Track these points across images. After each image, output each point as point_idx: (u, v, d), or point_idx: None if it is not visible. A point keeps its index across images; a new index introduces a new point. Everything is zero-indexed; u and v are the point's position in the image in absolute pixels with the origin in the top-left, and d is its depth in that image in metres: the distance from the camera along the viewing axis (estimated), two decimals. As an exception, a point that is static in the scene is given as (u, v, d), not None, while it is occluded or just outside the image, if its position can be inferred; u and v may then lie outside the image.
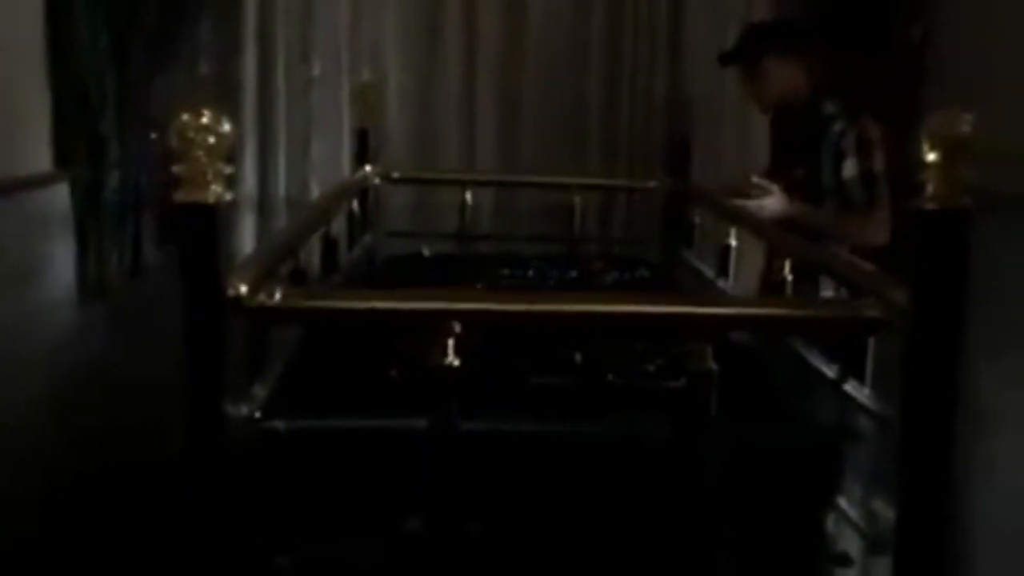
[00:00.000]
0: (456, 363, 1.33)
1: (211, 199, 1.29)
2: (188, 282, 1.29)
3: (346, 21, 3.87)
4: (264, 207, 3.87)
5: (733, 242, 2.60)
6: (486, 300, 1.43)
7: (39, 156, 3.35)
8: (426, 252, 3.28)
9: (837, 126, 2.90)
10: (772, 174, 3.00)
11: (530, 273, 2.99)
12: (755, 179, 2.89)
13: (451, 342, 1.33)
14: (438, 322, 1.34)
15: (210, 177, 1.29)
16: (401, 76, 3.94)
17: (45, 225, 3.47)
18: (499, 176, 3.78)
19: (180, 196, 1.29)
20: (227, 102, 3.84)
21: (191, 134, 1.30)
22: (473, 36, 3.94)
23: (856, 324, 1.44)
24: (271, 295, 1.32)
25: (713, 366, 1.35)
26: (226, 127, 1.30)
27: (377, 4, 3.91)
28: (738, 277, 2.69)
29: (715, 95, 3.80)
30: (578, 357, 1.97)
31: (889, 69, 3.70)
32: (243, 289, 1.30)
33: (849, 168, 2.88)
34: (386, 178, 3.31)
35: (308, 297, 1.37)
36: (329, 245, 2.52)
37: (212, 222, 1.29)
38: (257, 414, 1.41)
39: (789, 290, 2.01)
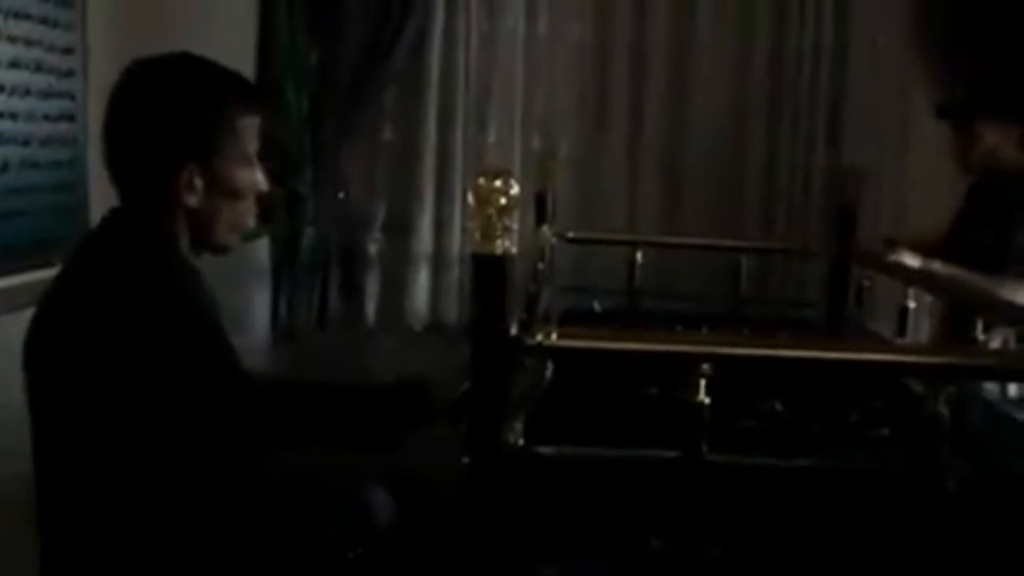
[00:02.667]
0: (707, 401, 1.49)
1: (499, 251, 1.49)
2: (479, 322, 1.49)
3: (520, 91, 4.13)
4: (439, 264, 4.12)
5: (912, 303, 2.71)
6: (734, 345, 1.59)
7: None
8: (597, 307, 3.45)
9: (1012, 192, 2.95)
10: (952, 239, 3.06)
11: (704, 330, 3.13)
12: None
13: (703, 382, 1.50)
14: (690, 363, 1.51)
15: (499, 232, 1.50)
16: (570, 143, 4.18)
17: (246, 276, 3.78)
18: (669, 238, 3.95)
19: (474, 248, 1.50)
20: (408, 165, 4.15)
21: (485, 194, 1.50)
22: (638, 106, 4.16)
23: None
24: (548, 335, 1.51)
25: (944, 410, 1.48)
26: (515, 189, 1.50)
27: (550, 75, 4.16)
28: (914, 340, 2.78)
29: (874, 163, 3.93)
30: (778, 406, 2.11)
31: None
32: (523, 329, 1.49)
33: (1020, 238, 2.93)
34: (562, 238, 3.51)
35: (580, 338, 1.55)
36: (531, 298, 2.72)
37: (501, 270, 1.49)
38: (521, 441, 1.60)
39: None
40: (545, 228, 3.50)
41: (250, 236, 3.77)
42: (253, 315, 3.83)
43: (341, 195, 4.06)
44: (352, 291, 4.12)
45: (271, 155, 3.68)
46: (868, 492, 1.52)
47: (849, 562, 1.54)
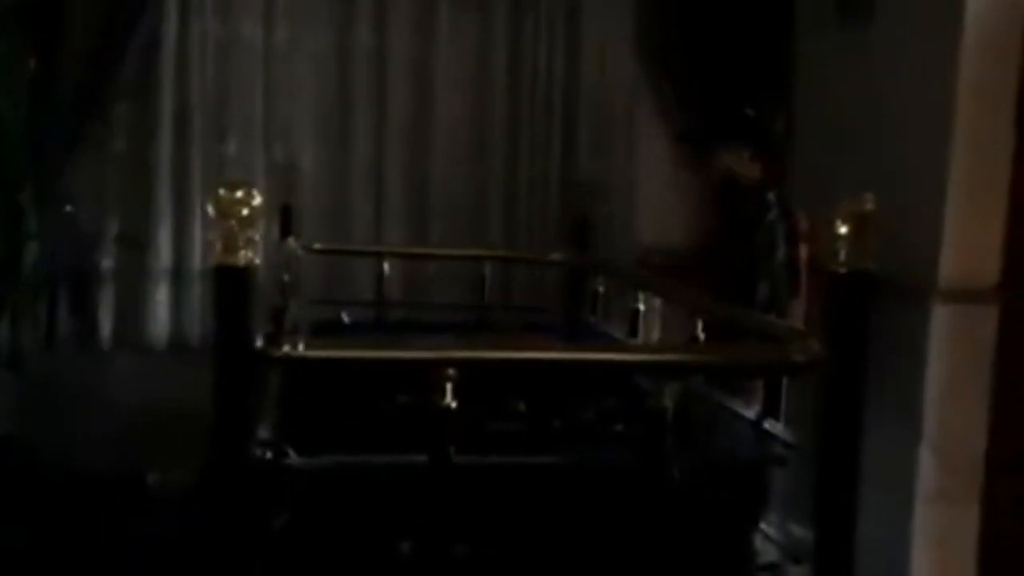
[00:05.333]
0: (454, 405, 1.54)
1: (242, 262, 1.48)
2: (222, 335, 1.47)
3: (260, 101, 4.06)
4: (179, 280, 3.98)
5: (641, 306, 2.88)
6: (482, 349, 1.65)
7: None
8: (346, 319, 3.45)
9: (772, 215, 3.22)
10: (725, 246, 3.30)
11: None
12: None
13: (449, 386, 1.54)
14: (436, 369, 1.55)
15: (241, 244, 1.48)
16: (313, 154, 4.14)
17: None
18: (416, 248, 4.00)
19: (215, 259, 1.47)
20: (142, 178, 3.98)
21: (226, 206, 1.48)
22: (382, 116, 4.18)
23: (781, 367, 1.72)
24: (295, 347, 1.51)
25: (668, 404, 1.60)
26: (257, 200, 1.49)
27: (290, 85, 4.11)
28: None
29: (604, 174, 4.16)
30: (521, 407, 2.20)
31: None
32: (270, 341, 1.48)
33: (780, 255, 3.21)
34: (308, 249, 3.48)
35: (328, 348, 1.55)
36: (277, 312, 2.68)
37: (243, 282, 1.48)
38: (268, 453, 1.59)
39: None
40: (291, 240, 3.47)
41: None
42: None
43: (68, 208, 3.83)
44: (84, 309, 3.90)
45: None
46: (603, 484, 1.62)
47: (589, 552, 1.64)
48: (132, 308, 3.97)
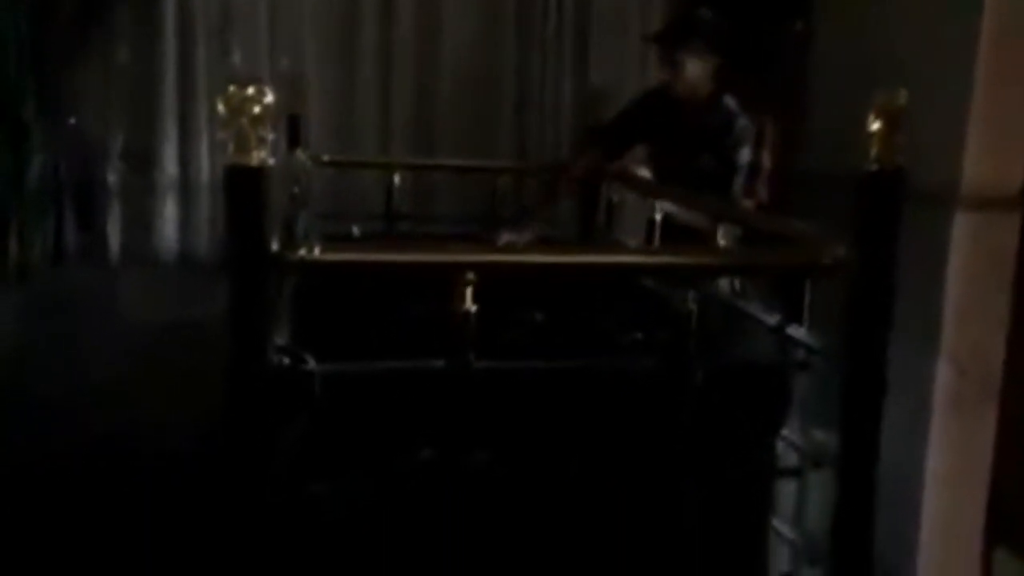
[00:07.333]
0: (473, 309, 1.50)
1: (255, 162, 1.43)
2: (235, 238, 1.43)
3: (265, 9, 3.96)
4: (186, 191, 3.93)
5: (658, 216, 2.84)
6: (500, 253, 1.61)
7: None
8: (356, 232, 3.41)
9: (741, 120, 3.16)
10: (656, 159, 3.24)
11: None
12: None
13: (468, 291, 1.51)
14: (454, 273, 1.51)
15: (254, 143, 1.43)
16: (319, 65, 4.06)
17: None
18: (425, 160, 3.94)
19: (228, 160, 1.43)
20: (147, 90, 3.91)
21: (237, 103, 1.43)
22: (389, 26, 4.08)
23: (807, 269, 1.67)
24: (311, 250, 1.47)
25: (693, 307, 1.56)
26: (269, 97, 1.44)
27: (295, -4, 4.01)
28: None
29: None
30: (539, 317, 2.17)
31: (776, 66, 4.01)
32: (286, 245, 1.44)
33: (743, 157, 3.16)
34: (317, 161, 3.43)
35: (345, 251, 1.52)
36: (287, 223, 2.64)
37: (257, 183, 1.43)
38: (286, 360, 1.56)
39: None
40: (300, 152, 3.41)
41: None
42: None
43: (72, 121, 3.77)
44: (91, 224, 3.86)
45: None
46: (624, 390, 1.59)
47: (609, 458, 1.62)
48: (139, 223, 3.93)
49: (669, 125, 3.28)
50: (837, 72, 3.66)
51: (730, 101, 3.23)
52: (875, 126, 1.52)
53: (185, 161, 3.94)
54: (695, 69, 3.18)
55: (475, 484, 1.58)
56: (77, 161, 3.84)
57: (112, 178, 3.93)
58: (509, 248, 2.05)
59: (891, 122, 1.52)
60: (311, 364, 1.53)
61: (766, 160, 3.17)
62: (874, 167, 1.53)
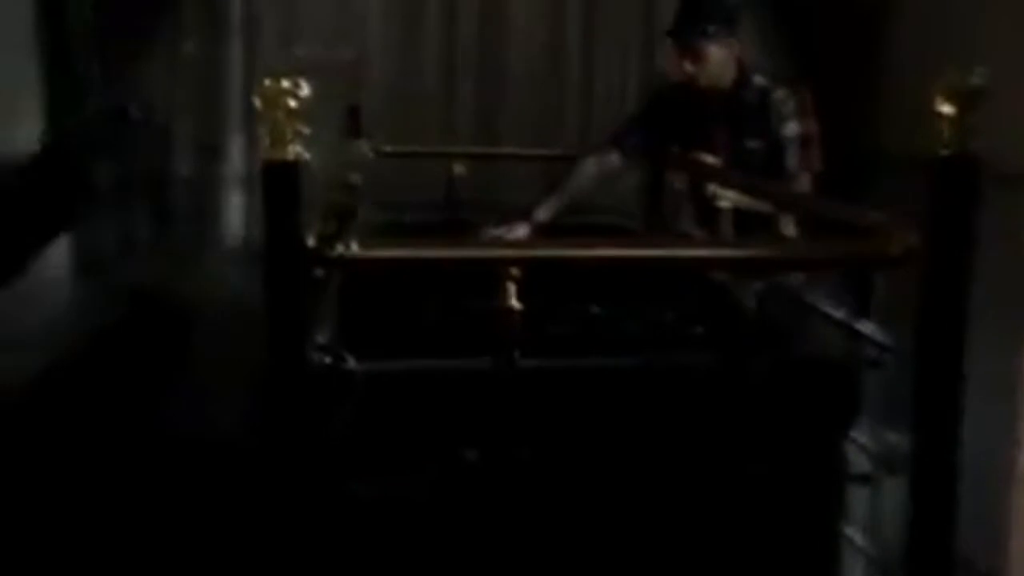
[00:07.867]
0: (518, 306, 1.44)
1: (291, 156, 1.38)
2: (271, 234, 1.39)
3: (330, 1, 3.95)
4: (252, 184, 3.94)
5: (724, 203, 2.73)
6: (546, 247, 1.54)
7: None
8: (407, 220, 3.37)
9: (778, 93, 3.01)
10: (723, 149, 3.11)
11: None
12: None
13: (512, 287, 1.45)
14: (499, 269, 1.45)
15: (289, 137, 1.39)
16: (382, 56, 4.03)
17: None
18: (485, 149, 3.89)
19: (263, 154, 1.38)
20: (212, 82, 3.92)
21: (271, 97, 1.38)
22: (453, 17, 4.04)
23: (875, 261, 1.57)
24: (348, 246, 1.42)
25: (751, 304, 1.48)
26: (305, 91, 1.39)
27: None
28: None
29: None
30: (595, 310, 2.09)
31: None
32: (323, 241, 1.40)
33: (791, 129, 3.01)
34: (379, 152, 3.40)
35: (382, 248, 1.47)
36: (345, 214, 2.61)
37: (292, 178, 1.39)
38: (327, 359, 1.52)
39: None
40: (361, 142, 3.39)
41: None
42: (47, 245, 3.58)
43: (138, 114, 3.81)
44: (159, 215, 3.90)
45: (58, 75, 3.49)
46: (681, 387, 1.52)
47: (664, 459, 1.54)
48: (207, 214, 3.96)
49: (697, 120, 3.13)
50: (917, 46, 3.50)
51: (759, 78, 3.07)
52: (945, 108, 1.41)
53: (250, 152, 3.95)
54: (719, 55, 3.03)
55: (524, 482, 1.53)
56: (144, 152, 3.87)
57: (181, 170, 3.96)
58: (555, 243, 1.97)
59: (963, 104, 1.41)
60: (351, 363, 1.48)
61: (813, 127, 3.02)
62: (945, 152, 1.43)
